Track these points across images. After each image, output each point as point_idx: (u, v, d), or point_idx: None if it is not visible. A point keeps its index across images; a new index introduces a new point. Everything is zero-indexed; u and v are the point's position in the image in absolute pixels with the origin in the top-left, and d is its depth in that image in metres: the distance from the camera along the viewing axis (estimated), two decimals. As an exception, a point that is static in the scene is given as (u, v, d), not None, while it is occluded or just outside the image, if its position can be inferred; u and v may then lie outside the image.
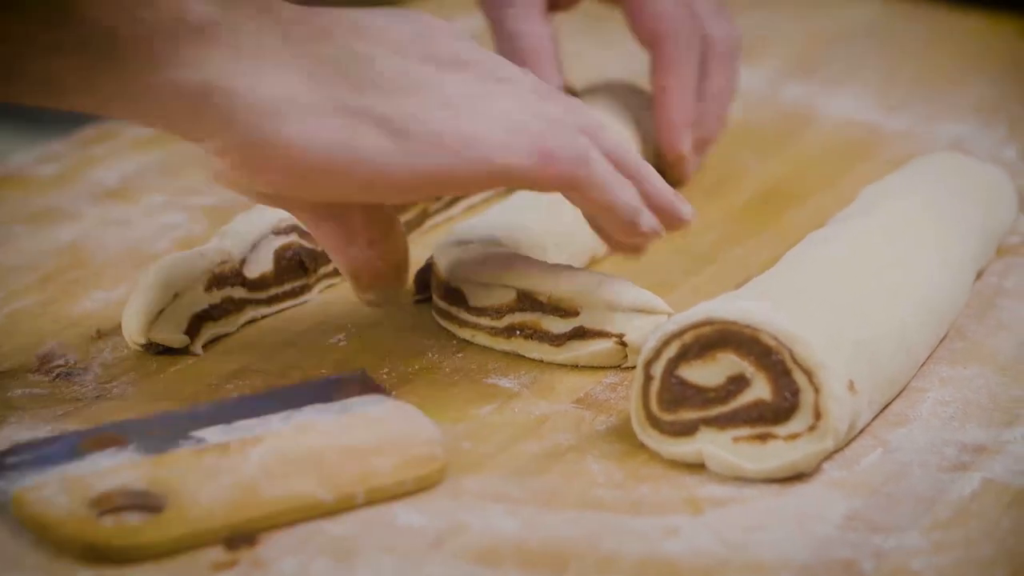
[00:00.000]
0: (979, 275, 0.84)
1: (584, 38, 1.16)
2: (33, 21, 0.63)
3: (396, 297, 0.76)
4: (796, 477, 0.68)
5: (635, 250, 0.76)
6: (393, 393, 0.71)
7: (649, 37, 0.93)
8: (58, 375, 0.74)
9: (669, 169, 0.92)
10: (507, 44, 0.93)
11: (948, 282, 0.78)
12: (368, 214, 0.72)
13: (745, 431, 0.69)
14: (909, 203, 0.81)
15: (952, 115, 1.05)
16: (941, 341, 0.78)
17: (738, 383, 0.69)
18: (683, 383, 0.69)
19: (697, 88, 0.93)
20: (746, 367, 0.69)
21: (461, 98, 0.70)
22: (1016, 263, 0.86)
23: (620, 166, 0.73)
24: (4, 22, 0.64)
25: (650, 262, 0.85)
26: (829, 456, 0.69)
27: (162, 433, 0.67)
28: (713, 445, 0.69)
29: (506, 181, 0.71)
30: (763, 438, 0.68)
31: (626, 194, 0.73)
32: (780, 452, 0.68)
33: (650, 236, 0.74)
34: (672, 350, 0.70)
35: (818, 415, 0.68)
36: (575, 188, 0.72)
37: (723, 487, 0.68)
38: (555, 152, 0.70)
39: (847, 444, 0.70)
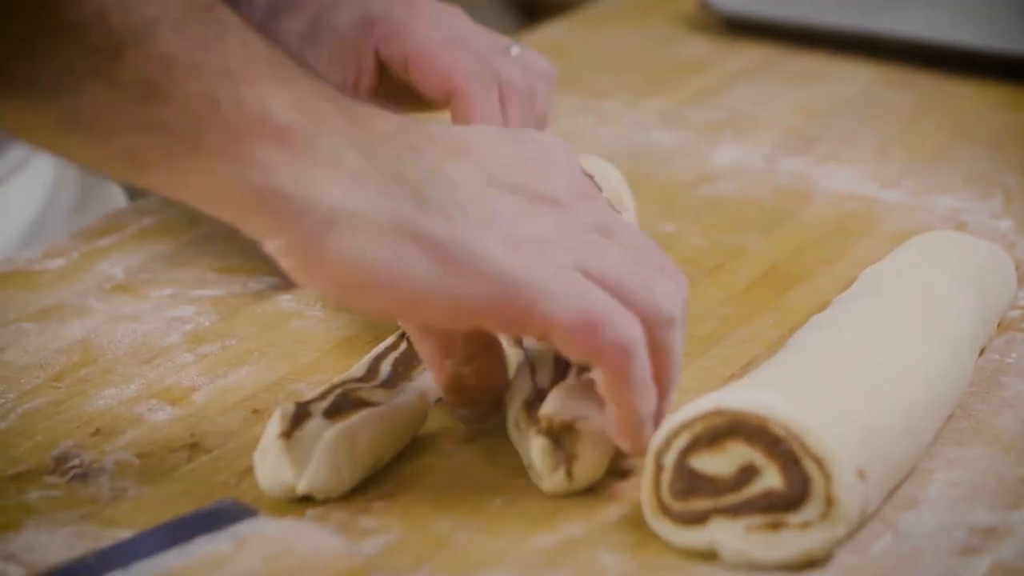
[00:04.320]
0: (981, 352, 0.85)
1: (583, 117, 1.17)
2: (126, 97, 0.65)
3: (489, 418, 0.77)
4: (809, 565, 0.69)
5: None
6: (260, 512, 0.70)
7: (445, 92, 0.89)
8: (73, 476, 0.75)
9: None
10: None
11: (952, 363, 0.79)
12: (468, 332, 0.73)
13: (758, 520, 0.69)
14: (910, 284, 0.82)
15: (947, 187, 1.06)
16: (947, 421, 0.79)
17: (749, 472, 0.69)
18: (694, 473, 0.70)
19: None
20: (756, 456, 0.69)
21: (531, 240, 0.69)
22: (1018, 338, 0.87)
23: (658, 368, 0.72)
24: (97, 93, 0.65)
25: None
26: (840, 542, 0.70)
27: None
28: (726, 534, 0.70)
29: (546, 335, 0.69)
30: (776, 526, 0.69)
31: (646, 402, 0.71)
32: (793, 540, 0.69)
33: (630, 452, 0.73)
34: (683, 440, 0.70)
35: (830, 503, 0.68)
36: (606, 370, 0.70)
37: (737, 577, 0.69)
38: (602, 328, 0.69)
39: (857, 529, 0.71)
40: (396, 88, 0.92)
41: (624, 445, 0.72)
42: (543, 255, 0.69)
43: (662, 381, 0.72)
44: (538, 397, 0.76)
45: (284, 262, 0.68)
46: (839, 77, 1.26)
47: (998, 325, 0.87)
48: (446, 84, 0.89)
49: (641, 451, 0.71)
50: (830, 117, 1.19)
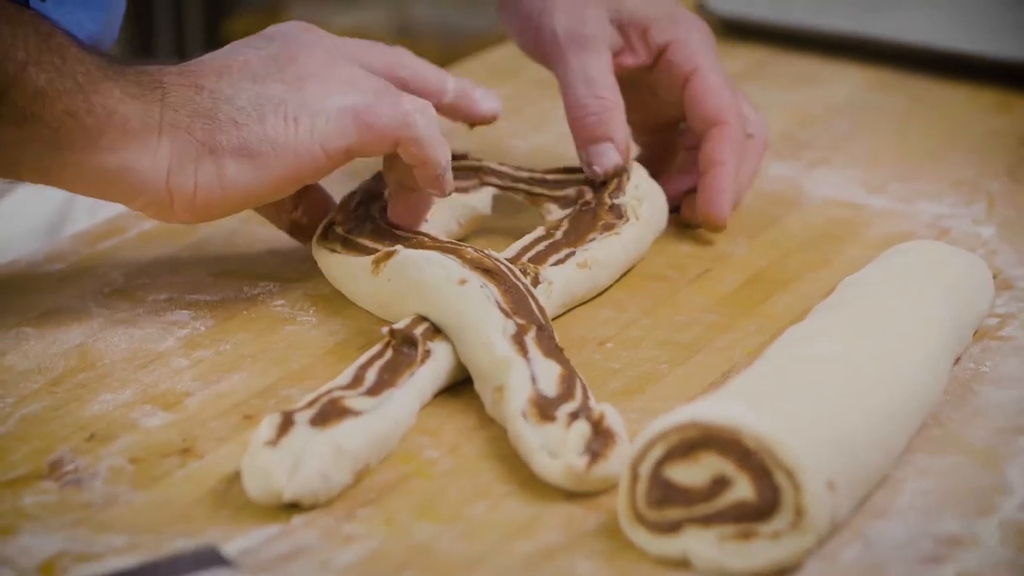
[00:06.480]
0: (957, 360, 0.87)
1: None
2: (10, 124, 0.83)
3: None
4: (779, 573, 0.71)
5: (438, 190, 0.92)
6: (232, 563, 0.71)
7: (709, 121, 1.00)
8: (67, 482, 0.77)
9: (707, 228, 1.01)
10: (583, 88, 1.00)
11: (927, 373, 0.81)
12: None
13: (729, 529, 0.71)
14: (887, 295, 0.84)
15: (932, 193, 1.08)
16: (919, 430, 0.81)
17: (721, 483, 0.72)
18: (668, 483, 0.72)
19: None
20: (729, 468, 0.71)
21: (299, 106, 0.88)
22: (993, 346, 0.89)
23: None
24: None
25: (637, 354, 0.89)
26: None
27: None
28: (698, 543, 0.72)
29: (346, 157, 0.88)
30: (747, 535, 0.71)
31: (440, 152, 0.89)
32: (764, 550, 0.71)
33: (445, 192, 0.92)
34: (658, 451, 0.72)
35: (799, 513, 0.71)
36: (398, 145, 0.89)
37: (709, 585, 0.71)
38: (375, 122, 0.88)
39: (827, 538, 0.73)
40: (634, 79, 1.03)
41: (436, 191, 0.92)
42: (313, 112, 0.88)
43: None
44: (545, 400, 0.79)
45: (148, 215, 0.89)
46: (831, 80, 1.28)
47: (974, 333, 0.89)
48: (714, 116, 1.00)
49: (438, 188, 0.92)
50: (822, 121, 1.21)
